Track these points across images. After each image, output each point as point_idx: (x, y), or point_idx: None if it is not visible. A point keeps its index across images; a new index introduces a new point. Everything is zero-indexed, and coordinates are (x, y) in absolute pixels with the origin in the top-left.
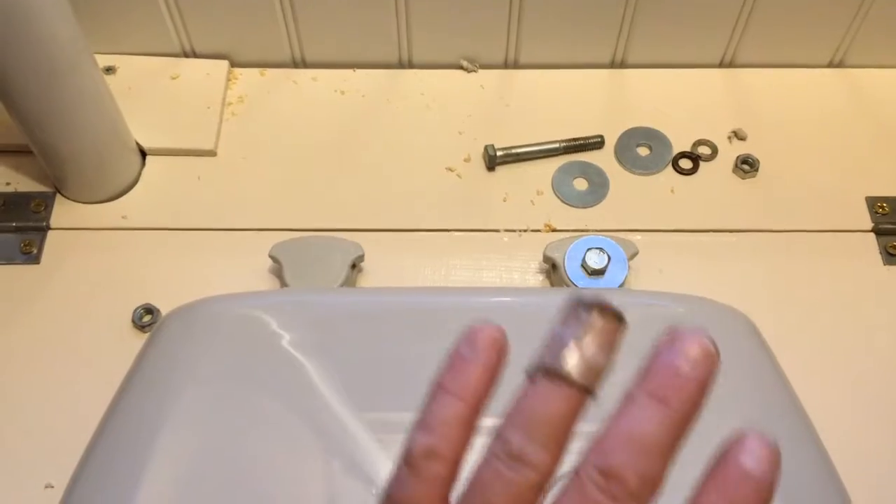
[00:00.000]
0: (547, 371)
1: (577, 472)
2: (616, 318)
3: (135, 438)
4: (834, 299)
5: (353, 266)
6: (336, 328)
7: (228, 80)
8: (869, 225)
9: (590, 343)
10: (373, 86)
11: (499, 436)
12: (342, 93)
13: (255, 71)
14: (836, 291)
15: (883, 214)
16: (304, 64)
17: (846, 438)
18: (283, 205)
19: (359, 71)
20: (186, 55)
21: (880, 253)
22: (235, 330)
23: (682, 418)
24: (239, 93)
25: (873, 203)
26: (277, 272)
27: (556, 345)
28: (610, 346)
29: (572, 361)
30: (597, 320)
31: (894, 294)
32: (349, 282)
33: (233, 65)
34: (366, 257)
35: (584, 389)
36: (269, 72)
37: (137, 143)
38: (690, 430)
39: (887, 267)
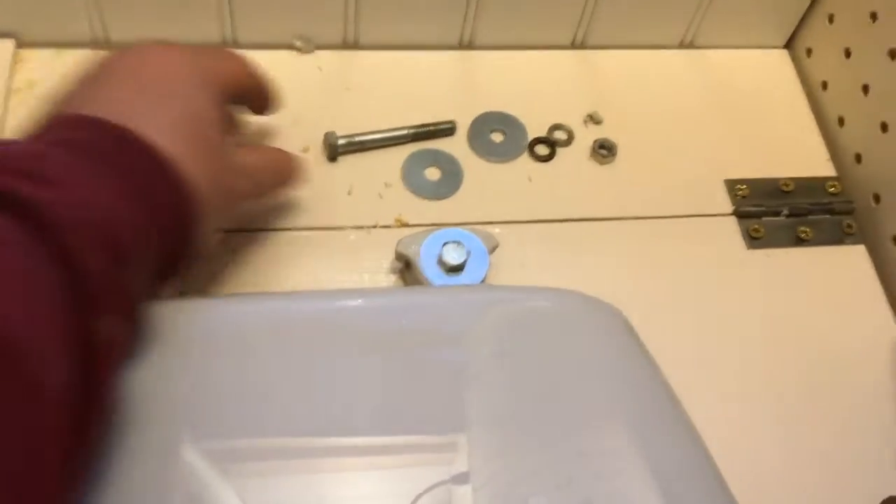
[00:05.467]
0: None
1: None
2: None
3: None
4: (699, 285)
5: None
6: (161, 342)
7: (14, 62)
8: (730, 208)
9: None
10: None
11: None
12: None
13: (49, 51)
14: (701, 276)
15: (743, 197)
16: (108, 44)
17: (720, 426)
18: None
19: None
20: None
21: (743, 237)
22: None
23: None
24: (28, 77)
25: (732, 185)
26: None
27: None
28: None
29: None
30: None
31: (758, 277)
32: None
33: (20, 45)
34: (192, 263)
35: None
36: (67, 52)
37: None
38: None
39: (750, 251)
